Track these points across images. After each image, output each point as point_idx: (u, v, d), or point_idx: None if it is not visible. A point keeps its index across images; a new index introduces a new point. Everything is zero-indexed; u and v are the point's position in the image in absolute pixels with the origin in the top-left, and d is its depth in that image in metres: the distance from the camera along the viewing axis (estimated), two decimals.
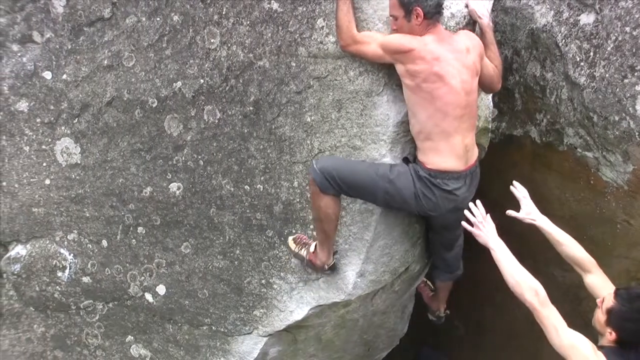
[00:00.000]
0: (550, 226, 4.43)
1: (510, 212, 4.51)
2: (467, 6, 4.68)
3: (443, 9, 4.33)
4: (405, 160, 4.67)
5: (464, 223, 4.27)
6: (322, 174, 4.49)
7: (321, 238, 4.84)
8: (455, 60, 4.29)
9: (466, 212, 4.27)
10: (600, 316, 3.91)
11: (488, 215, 4.29)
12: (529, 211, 4.51)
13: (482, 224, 4.22)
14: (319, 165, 4.54)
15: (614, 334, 3.80)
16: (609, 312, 3.82)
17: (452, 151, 4.39)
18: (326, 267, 4.97)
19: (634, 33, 4.84)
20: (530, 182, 5.44)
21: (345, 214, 4.96)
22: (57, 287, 5.84)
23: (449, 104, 4.27)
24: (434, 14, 4.24)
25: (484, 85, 4.73)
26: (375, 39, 4.36)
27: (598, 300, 3.99)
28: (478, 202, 4.33)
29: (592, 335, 3.90)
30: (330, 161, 4.63)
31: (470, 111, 4.43)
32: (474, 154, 4.61)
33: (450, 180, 4.44)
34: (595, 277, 4.29)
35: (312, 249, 4.95)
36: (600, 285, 4.22)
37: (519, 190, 4.59)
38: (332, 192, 4.54)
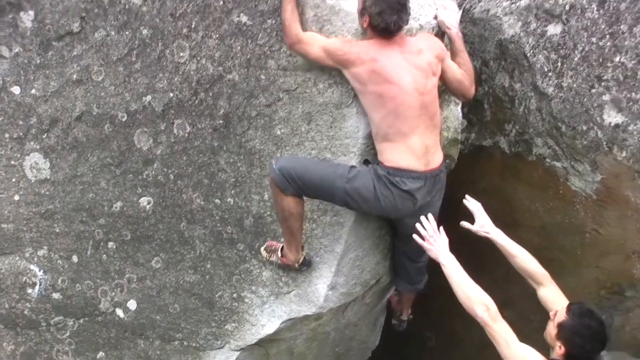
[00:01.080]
0: (504, 239, 4.47)
1: (464, 224, 4.52)
2: (436, 17, 4.71)
3: (397, 30, 4.33)
4: (366, 162, 4.66)
5: (415, 236, 4.28)
6: (281, 173, 4.51)
7: (287, 238, 4.87)
8: (404, 60, 4.32)
9: (417, 225, 4.27)
10: (551, 329, 3.95)
11: (441, 228, 4.31)
12: (482, 224, 4.54)
13: (432, 238, 4.24)
14: (278, 165, 4.56)
15: (563, 348, 3.84)
16: (560, 326, 3.86)
17: (410, 151, 4.40)
18: (297, 265, 4.97)
19: (600, 43, 4.88)
20: (500, 192, 5.49)
21: (316, 226, 4.97)
22: (27, 303, 5.78)
23: (401, 104, 4.30)
24: (384, 30, 4.32)
25: (454, 90, 4.76)
26: (317, 41, 4.42)
27: (551, 313, 4.02)
28: (430, 215, 4.34)
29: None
30: (289, 161, 4.66)
31: (427, 112, 4.43)
32: (437, 157, 4.59)
33: (409, 180, 4.42)
34: (548, 290, 4.34)
35: (279, 253, 4.96)
36: (553, 299, 4.26)
37: (471, 203, 4.60)
38: (292, 192, 4.56)
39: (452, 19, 4.71)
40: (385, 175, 4.41)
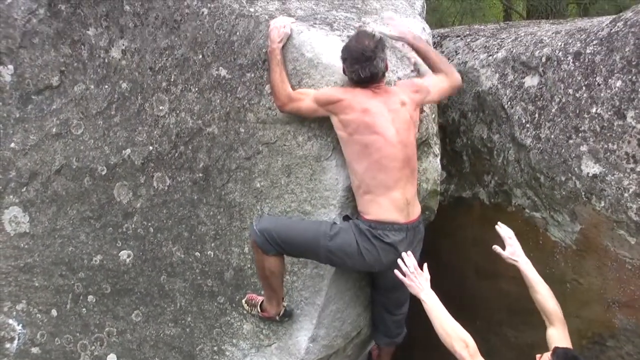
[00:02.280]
0: (531, 271, 4.48)
1: (496, 248, 4.52)
2: (413, 70, 4.76)
3: (369, 79, 4.34)
4: (346, 217, 4.66)
5: (396, 272, 4.25)
6: (263, 235, 4.50)
7: (268, 293, 4.85)
8: (389, 112, 4.35)
9: (399, 261, 4.26)
10: None
11: (425, 265, 4.30)
12: (513, 251, 4.53)
13: (414, 275, 4.23)
14: (259, 226, 4.55)
15: None
16: None
17: (392, 204, 4.38)
18: (277, 317, 4.95)
19: (577, 95, 4.92)
20: (480, 243, 5.49)
21: (297, 278, 4.95)
22: (5, 358, 5.71)
23: (386, 156, 4.30)
24: (366, 85, 4.38)
25: (451, 94, 4.94)
26: (308, 95, 4.45)
27: (537, 356, 4.01)
28: (409, 252, 4.34)
29: None
30: (270, 221, 4.64)
31: (409, 165, 4.44)
32: (416, 208, 4.59)
33: (391, 232, 4.40)
34: (555, 331, 4.34)
35: (259, 308, 4.94)
36: (557, 340, 4.25)
37: (503, 230, 4.60)
38: (274, 253, 4.54)
39: (403, 27, 4.72)
40: (367, 229, 4.39)
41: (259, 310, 4.96)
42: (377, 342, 5.62)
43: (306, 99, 4.46)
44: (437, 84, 4.71)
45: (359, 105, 4.30)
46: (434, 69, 4.74)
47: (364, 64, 4.26)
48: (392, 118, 4.34)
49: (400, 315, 5.21)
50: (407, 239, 4.49)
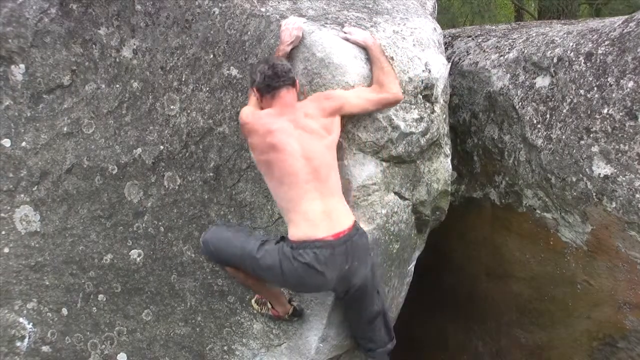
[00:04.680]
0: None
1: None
2: (424, 70, 4.74)
3: (274, 83, 4.29)
4: (282, 238, 4.45)
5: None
6: (205, 247, 4.54)
7: (264, 297, 4.91)
8: (294, 127, 4.27)
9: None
10: None
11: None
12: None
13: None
14: (203, 238, 4.58)
15: None
16: None
17: (304, 219, 4.22)
18: (287, 317, 4.95)
19: (588, 95, 4.92)
20: (490, 244, 5.48)
21: None
22: (16, 357, 5.73)
23: (287, 172, 4.21)
24: (266, 91, 4.32)
25: (380, 108, 4.58)
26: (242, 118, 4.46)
27: None
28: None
29: None
30: (212, 234, 4.62)
31: (319, 177, 4.25)
32: (344, 220, 4.32)
33: (311, 250, 4.17)
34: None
35: (269, 305, 4.94)
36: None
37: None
38: (228, 264, 4.56)
39: (360, 34, 4.64)
40: (289, 250, 4.24)
41: (270, 307, 4.96)
42: (370, 356, 5.41)
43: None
44: (362, 94, 4.53)
45: (263, 128, 4.25)
46: (374, 78, 4.56)
47: (268, 67, 4.29)
48: (297, 133, 4.26)
49: (378, 321, 4.95)
50: (337, 255, 4.22)
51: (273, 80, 4.28)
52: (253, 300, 5.10)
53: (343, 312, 4.91)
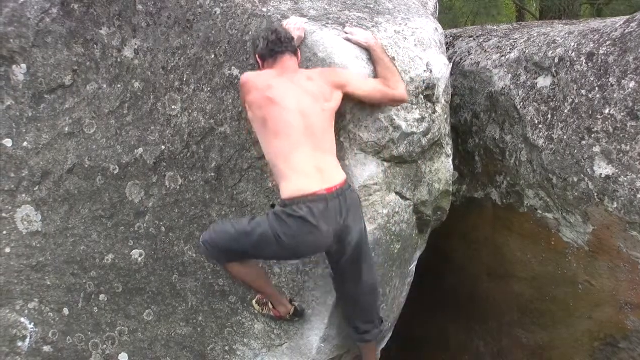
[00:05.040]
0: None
1: None
2: (426, 70, 4.74)
3: (277, 48, 4.36)
4: (272, 206, 4.54)
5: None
6: (206, 247, 4.47)
7: (265, 296, 4.89)
8: (293, 85, 4.30)
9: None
10: None
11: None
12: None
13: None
14: (203, 239, 4.52)
15: None
16: None
17: (297, 173, 4.20)
18: (288, 317, 4.94)
19: (590, 95, 4.92)
20: (492, 244, 5.48)
21: (308, 278, 4.94)
22: (17, 357, 5.73)
23: (281, 122, 4.22)
24: (269, 55, 4.37)
25: (380, 101, 4.55)
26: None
27: None
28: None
29: None
30: (210, 232, 4.56)
31: (313, 134, 4.26)
32: (337, 176, 4.31)
33: (304, 205, 4.15)
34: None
35: (270, 305, 4.93)
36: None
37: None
38: (226, 260, 4.50)
39: (362, 35, 4.65)
40: (281, 210, 4.22)
41: (271, 307, 4.95)
42: (354, 338, 5.30)
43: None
44: (370, 81, 4.55)
45: (263, 84, 4.28)
46: (380, 76, 4.56)
47: (271, 32, 4.35)
48: (295, 92, 4.29)
49: (368, 297, 4.85)
50: (330, 210, 4.20)
51: (276, 45, 4.34)
52: (254, 301, 5.10)
53: (341, 292, 4.81)
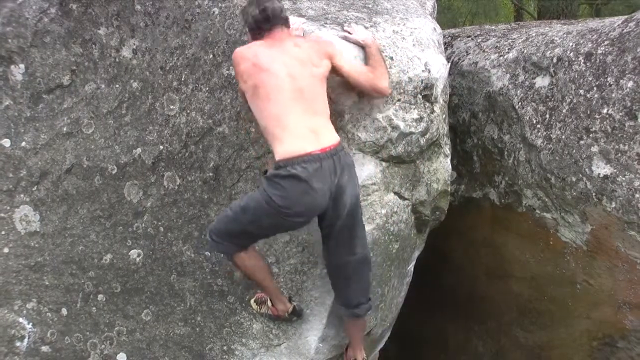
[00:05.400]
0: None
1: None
2: (424, 70, 4.74)
3: (265, 25, 4.37)
4: (265, 172, 4.41)
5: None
6: (212, 238, 4.46)
7: (266, 292, 4.86)
8: (280, 53, 4.30)
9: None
10: None
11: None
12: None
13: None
14: (208, 231, 4.53)
15: None
16: None
17: (290, 134, 4.20)
18: (287, 315, 4.93)
19: (588, 95, 4.92)
20: (490, 244, 5.48)
21: (307, 278, 4.95)
22: (16, 357, 5.72)
23: (272, 88, 4.22)
24: (257, 27, 4.38)
25: (361, 84, 4.52)
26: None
27: None
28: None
29: None
30: (214, 223, 4.55)
31: (303, 96, 4.26)
32: (330, 137, 4.30)
33: (299, 165, 4.14)
34: None
35: (269, 303, 4.92)
36: None
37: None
38: (235, 249, 4.47)
39: (362, 34, 4.67)
40: (274, 173, 4.21)
41: (269, 306, 4.94)
42: (340, 313, 5.24)
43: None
44: (357, 64, 4.58)
45: (252, 53, 4.29)
46: (369, 67, 4.59)
47: (259, 8, 4.34)
48: (283, 58, 4.30)
49: (359, 277, 4.76)
50: (324, 169, 4.19)
51: (264, 23, 4.35)
52: (252, 300, 5.10)
53: (334, 262, 4.67)
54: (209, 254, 5.14)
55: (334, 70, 4.45)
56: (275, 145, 4.23)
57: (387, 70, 4.60)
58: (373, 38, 4.62)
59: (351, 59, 4.56)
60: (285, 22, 4.43)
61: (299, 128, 4.20)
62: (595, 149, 4.89)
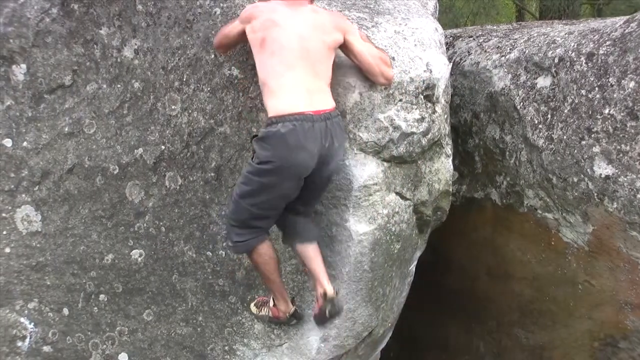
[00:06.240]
0: None
1: None
2: (426, 71, 4.74)
3: None
4: (254, 137, 4.43)
5: None
6: (233, 228, 4.48)
7: (272, 288, 4.80)
8: (296, 13, 4.37)
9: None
10: None
11: None
12: None
13: None
14: (226, 230, 4.64)
15: None
16: None
17: (287, 90, 4.23)
18: (287, 315, 4.90)
19: (590, 95, 4.92)
20: (491, 244, 5.48)
21: (308, 278, 4.94)
22: (17, 357, 5.72)
23: (277, 42, 4.26)
24: None
25: (365, 65, 4.53)
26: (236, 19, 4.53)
27: None
28: None
29: None
30: (227, 216, 4.64)
31: (308, 57, 4.30)
32: (325, 101, 4.33)
33: (292, 122, 4.16)
34: None
35: (271, 303, 4.89)
36: None
37: None
38: (257, 242, 4.49)
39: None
40: (265, 131, 4.24)
41: (271, 306, 4.90)
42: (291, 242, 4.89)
43: (235, 22, 4.52)
44: (372, 48, 4.57)
45: (267, 9, 4.37)
46: None
47: None
48: (297, 18, 4.35)
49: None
50: (317, 131, 4.22)
51: None
52: (252, 304, 5.09)
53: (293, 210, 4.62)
54: (210, 254, 5.15)
55: (345, 47, 4.48)
56: (270, 100, 4.27)
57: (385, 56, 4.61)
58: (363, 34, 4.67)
59: (364, 39, 4.56)
60: None
61: (297, 87, 4.24)
62: (597, 149, 4.89)
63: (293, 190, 4.40)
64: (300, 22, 4.34)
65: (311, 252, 4.65)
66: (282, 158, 4.18)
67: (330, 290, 4.57)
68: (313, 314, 4.80)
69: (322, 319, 4.72)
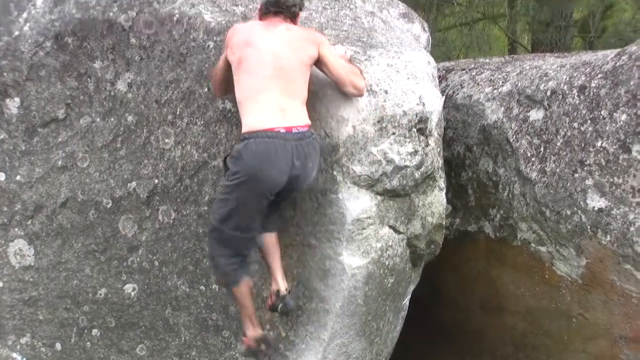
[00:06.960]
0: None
1: None
2: (418, 104, 4.75)
3: (272, 8, 4.53)
4: (226, 157, 4.49)
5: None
6: (215, 262, 4.51)
7: (242, 313, 4.69)
8: (271, 32, 4.46)
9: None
10: None
11: None
12: None
13: None
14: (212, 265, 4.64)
15: None
16: None
17: (261, 108, 4.28)
18: (255, 339, 4.68)
19: (582, 128, 4.94)
20: (485, 277, 5.47)
21: (302, 313, 4.92)
22: None
23: (253, 61, 4.33)
24: (266, 8, 4.56)
25: (338, 78, 4.53)
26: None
27: None
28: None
29: None
30: (210, 258, 4.67)
31: (283, 75, 4.35)
32: (300, 118, 4.35)
33: (263, 138, 4.21)
34: None
35: (242, 332, 4.79)
36: None
37: None
38: (242, 271, 4.50)
39: (341, 50, 4.75)
40: (237, 149, 4.30)
41: (243, 338, 4.77)
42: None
43: (222, 56, 4.59)
44: (343, 61, 4.61)
45: (245, 30, 4.49)
46: None
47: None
48: (272, 37, 4.44)
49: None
50: (288, 149, 4.24)
51: (272, 6, 4.53)
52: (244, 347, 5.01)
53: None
54: (204, 288, 5.12)
55: (318, 60, 4.51)
56: (245, 117, 4.33)
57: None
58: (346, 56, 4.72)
59: (337, 52, 4.64)
60: (293, 15, 4.60)
61: (270, 104, 4.29)
62: (589, 182, 4.89)
63: (265, 204, 4.42)
64: (275, 41, 4.42)
65: (269, 244, 4.70)
66: (252, 170, 4.22)
67: (283, 288, 4.65)
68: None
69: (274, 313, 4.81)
